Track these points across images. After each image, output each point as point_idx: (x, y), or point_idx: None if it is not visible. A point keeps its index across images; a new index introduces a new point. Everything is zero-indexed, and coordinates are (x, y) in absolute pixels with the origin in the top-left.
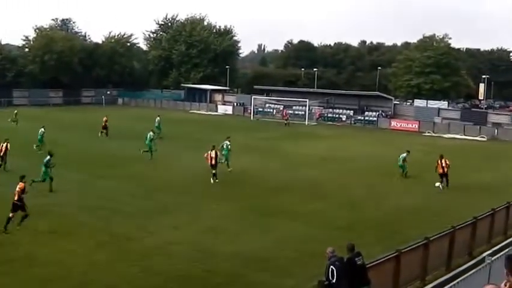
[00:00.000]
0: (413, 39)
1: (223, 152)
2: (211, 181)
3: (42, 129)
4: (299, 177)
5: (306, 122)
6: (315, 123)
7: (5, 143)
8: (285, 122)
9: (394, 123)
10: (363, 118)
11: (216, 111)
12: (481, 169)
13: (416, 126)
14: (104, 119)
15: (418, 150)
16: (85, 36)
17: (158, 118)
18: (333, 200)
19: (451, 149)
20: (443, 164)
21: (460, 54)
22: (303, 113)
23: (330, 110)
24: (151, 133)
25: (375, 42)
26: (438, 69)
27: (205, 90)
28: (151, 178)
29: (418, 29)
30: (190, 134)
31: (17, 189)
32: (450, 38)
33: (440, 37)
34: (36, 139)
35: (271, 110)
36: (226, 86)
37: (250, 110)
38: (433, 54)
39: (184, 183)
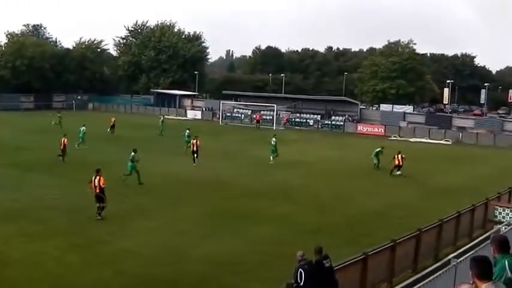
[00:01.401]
0: (379, 45)
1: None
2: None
3: (84, 128)
4: (268, 182)
5: (274, 127)
6: (283, 128)
7: (64, 138)
8: (257, 125)
9: (361, 128)
10: (329, 123)
11: (185, 116)
12: (447, 172)
13: (383, 131)
14: (113, 119)
15: (384, 154)
16: (56, 42)
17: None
18: (302, 204)
19: (417, 152)
20: (399, 158)
21: (425, 60)
22: (271, 117)
23: (298, 114)
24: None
25: (341, 48)
26: (403, 74)
27: (175, 96)
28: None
29: (383, 35)
30: (162, 138)
31: (101, 183)
32: (415, 44)
33: (405, 43)
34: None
35: (240, 115)
36: (195, 91)
37: (219, 114)
38: (398, 60)
39: (157, 187)
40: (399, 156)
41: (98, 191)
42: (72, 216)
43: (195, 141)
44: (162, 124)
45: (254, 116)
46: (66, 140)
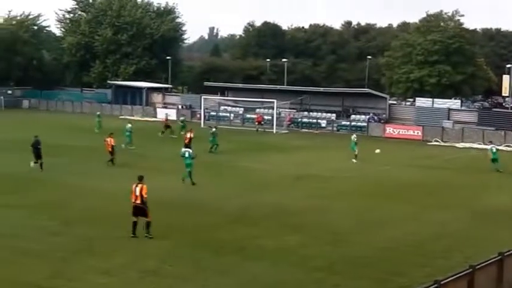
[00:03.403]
0: (414, 18)
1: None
2: None
3: (130, 125)
4: (264, 203)
5: (274, 130)
6: (286, 131)
7: (109, 138)
8: (258, 128)
9: (390, 130)
10: (348, 123)
11: (155, 117)
12: (508, 188)
13: (420, 133)
14: (165, 118)
15: (421, 166)
16: None
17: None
18: (310, 232)
19: (466, 163)
20: None
21: (476, 37)
22: (270, 117)
23: (305, 113)
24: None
25: (363, 24)
26: (447, 57)
27: (140, 89)
28: (67, 206)
29: (420, 4)
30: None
31: (143, 192)
32: (462, 16)
33: (450, 15)
34: None
35: (228, 114)
36: (167, 83)
37: (200, 114)
38: (440, 38)
39: (114, 213)
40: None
41: (138, 201)
42: None
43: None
44: (98, 123)
45: (255, 116)
46: (113, 140)
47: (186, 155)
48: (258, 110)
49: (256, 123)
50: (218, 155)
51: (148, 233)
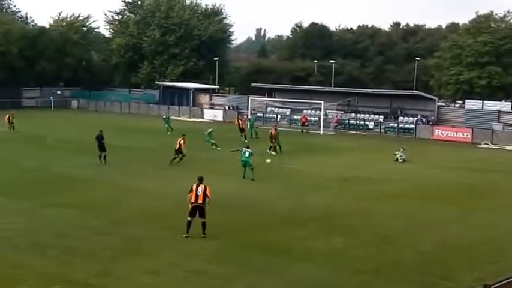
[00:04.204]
0: (464, 19)
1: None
2: None
3: (210, 129)
4: (311, 204)
5: (321, 131)
6: (332, 133)
7: (181, 139)
8: (303, 129)
9: (439, 132)
10: (396, 125)
11: (202, 117)
12: None
13: (469, 136)
14: (238, 121)
15: (470, 168)
16: (26, 18)
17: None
18: (356, 235)
19: None
20: None
21: None
22: (317, 119)
23: (352, 114)
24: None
25: (411, 25)
26: (498, 58)
27: (187, 90)
28: (116, 206)
29: (470, 5)
30: (169, 147)
31: (207, 192)
32: None
33: (501, 15)
34: None
35: (275, 115)
36: (214, 84)
37: (247, 115)
38: (490, 39)
39: (162, 214)
40: None
41: (201, 201)
42: (46, 254)
43: (182, 140)
44: (167, 124)
45: (299, 117)
46: (183, 141)
47: (247, 154)
48: (304, 111)
49: (300, 124)
50: (266, 155)
51: (205, 233)
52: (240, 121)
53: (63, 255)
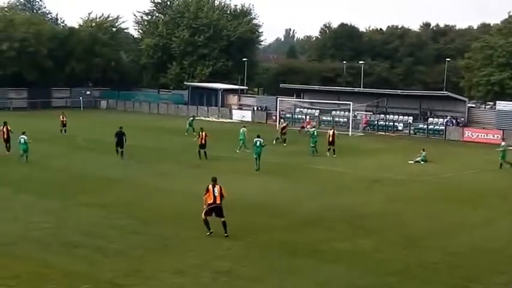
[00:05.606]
0: (495, 19)
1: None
2: None
3: (244, 129)
4: (339, 205)
5: (350, 132)
6: (361, 134)
7: (203, 132)
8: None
9: (469, 133)
10: (426, 127)
11: (230, 118)
12: None
13: (500, 138)
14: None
15: (499, 170)
16: (56, 19)
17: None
18: (384, 236)
19: None
20: None
21: None
22: (346, 120)
23: (381, 115)
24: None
25: (441, 25)
26: None
27: (216, 91)
28: (144, 206)
29: (502, 5)
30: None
31: (223, 191)
32: None
33: None
34: None
35: (304, 116)
36: (243, 85)
37: (276, 116)
38: None
39: (189, 214)
40: None
41: (219, 201)
42: (75, 253)
43: (203, 133)
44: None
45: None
46: (204, 133)
47: (257, 144)
48: (333, 112)
49: (300, 127)
50: (292, 156)
51: (227, 231)
52: (282, 125)
53: (92, 255)
